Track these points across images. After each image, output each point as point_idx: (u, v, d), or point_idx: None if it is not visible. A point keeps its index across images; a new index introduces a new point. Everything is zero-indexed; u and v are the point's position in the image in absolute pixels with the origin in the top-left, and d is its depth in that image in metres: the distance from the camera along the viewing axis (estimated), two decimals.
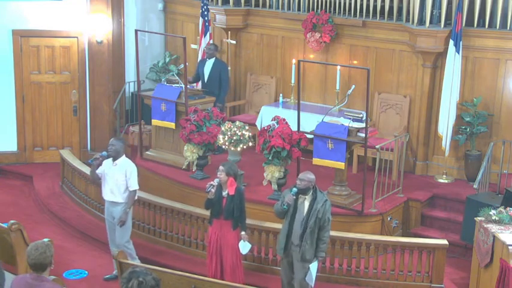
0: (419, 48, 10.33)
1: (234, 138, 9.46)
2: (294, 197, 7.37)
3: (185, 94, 10.24)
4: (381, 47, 10.95)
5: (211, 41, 11.92)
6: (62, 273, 8.53)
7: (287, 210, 7.42)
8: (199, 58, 11.91)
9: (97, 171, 8.31)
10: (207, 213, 8.56)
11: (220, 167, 7.76)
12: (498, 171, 9.81)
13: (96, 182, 8.62)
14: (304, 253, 7.37)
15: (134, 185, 8.27)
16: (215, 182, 7.75)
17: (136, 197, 8.47)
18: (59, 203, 10.72)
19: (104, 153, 8.25)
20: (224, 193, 7.75)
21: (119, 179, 8.19)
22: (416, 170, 10.83)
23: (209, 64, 11.42)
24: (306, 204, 7.39)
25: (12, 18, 11.71)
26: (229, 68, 12.22)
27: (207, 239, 8.18)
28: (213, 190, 7.69)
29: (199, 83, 11.57)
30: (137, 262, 8.12)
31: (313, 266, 7.41)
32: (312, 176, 7.41)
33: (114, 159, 8.23)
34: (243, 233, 7.79)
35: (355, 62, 11.24)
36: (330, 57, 11.45)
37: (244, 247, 7.77)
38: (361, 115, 9.13)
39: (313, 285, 7.46)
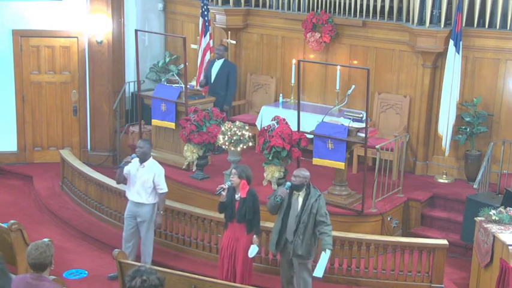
0: (419, 48, 10.33)
1: (234, 138, 9.46)
2: (287, 191, 7.38)
3: (185, 94, 10.25)
4: (381, 47, 10.95)
5: (211, 42, 11.91)
6: (62, 273, 8.53)
7: (280, 205, 7.43)
8: (199, 59, 11.91)
9: (124, 172, 8.35)
10: (207, 213, 8.60)
11: (233, 170, 7.75)
12: (498, 171, 9.81)
13: (120, 183, 8.69)
14: (296, 248, 7.39)
15: (164, 188, 8.35)
16: (226, 185, 7.72)
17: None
18: (59, 203, 10.73)
19: (134, 155, 8.30)
20: (237, 196, 7.71)
21: (146, 180, 8.23)
22: (416, 170, 10.83)
23: (217, 65, 11.45)
24: (300, 200, 7.42)
25: (12, 18, 11.72)
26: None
27: (220, 243, 8.13)
28: (223, 193, 7.66)
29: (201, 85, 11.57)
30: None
31: (323, 258, 7.27)
32: (306, 173, 7.44)
33: (142, 161, 8.27)
34: (254, 236, 7.76)
35: (355, 62, 11.24)
36: (330, 57, 11.45)
37: (253, 250, 7.76)
38: (361, 115, 9.13)
39: (321, 276, 7.33)
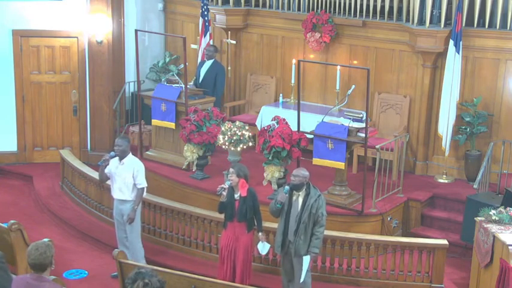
0: (419, 48, 10.33)
1: (234, 138, 9.46)
2: (286, 195, 7.38)
3: (185, 94, 10.25)
4: (381, 47, 10.95)
5: (211, 42, 11.91)
6: (62, 273, 8.54)
7: (282, 208, 7.44)
8: (199, 59, 11.91)
9: (105, 171, 8.38)
10: (207, 213, 8.60)
11: (231, 169, 7.74)
12: (498, 171, 9.81)
13: (104, 181, 8.72)
14: (298, 248, 7.39)
15: (142, 183, 8.34)
16: (226, 184, 7.71)
17: (144, 194, 8.52)
18: (59, 203, 10.73)
19: (112, 153, 8.31)
20: (236, 195, 7.69)
21: (127, 177, 8.25)
22: (416, 170, 10.83)
23: (206, 65, 11.38)
24: (300, 200, 7.42)
25: (12, 18, 11.71)
26: (229, 68, 12.22)
27: (220, 243, 8.10)
28: (224, 193, 7.65)
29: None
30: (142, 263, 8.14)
31: (304, 261, 7.32)
32: (305, 172, 7.43)
33: (121, 158, 8.29)
34: (260, 233, 7.76)
35: (355, 62, 11.24)
36: (330, 57, 11.45)
37: (264, 248, 7.74)
38: (361, 115, 9.13)
39: (301, 281, 7.39)
